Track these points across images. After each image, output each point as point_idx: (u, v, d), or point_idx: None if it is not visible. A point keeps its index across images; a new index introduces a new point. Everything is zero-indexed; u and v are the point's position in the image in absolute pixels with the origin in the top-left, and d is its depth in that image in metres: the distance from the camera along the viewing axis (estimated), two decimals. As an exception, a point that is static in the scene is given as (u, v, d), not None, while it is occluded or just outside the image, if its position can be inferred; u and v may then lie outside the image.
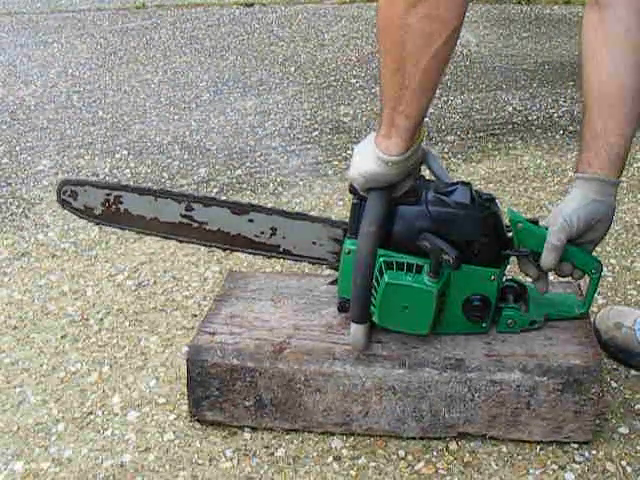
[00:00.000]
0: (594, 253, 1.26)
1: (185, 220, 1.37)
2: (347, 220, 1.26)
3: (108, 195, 1.40)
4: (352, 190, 1.20)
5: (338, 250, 1.30)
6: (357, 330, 1.19)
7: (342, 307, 1.26)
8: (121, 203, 1.40)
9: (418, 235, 1.16)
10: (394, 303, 1.16)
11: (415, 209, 1.18)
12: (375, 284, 1.17)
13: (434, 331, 1.22)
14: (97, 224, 1.47)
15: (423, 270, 1.16)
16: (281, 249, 1.37)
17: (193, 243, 1.41)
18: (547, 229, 1.19)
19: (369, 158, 1.11)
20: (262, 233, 1.35)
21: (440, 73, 1.02)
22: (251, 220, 1.35)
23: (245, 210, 1.35)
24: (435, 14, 0.96)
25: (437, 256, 1.13)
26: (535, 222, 1.22)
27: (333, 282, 1.34)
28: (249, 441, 1.28)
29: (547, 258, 1.19)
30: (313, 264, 1.40)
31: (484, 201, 1.19)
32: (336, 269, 1.31)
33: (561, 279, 1.33)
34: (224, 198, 1.44)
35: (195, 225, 1.37)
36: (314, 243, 1.34)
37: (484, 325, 1.24)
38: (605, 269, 1.78)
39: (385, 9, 1.01)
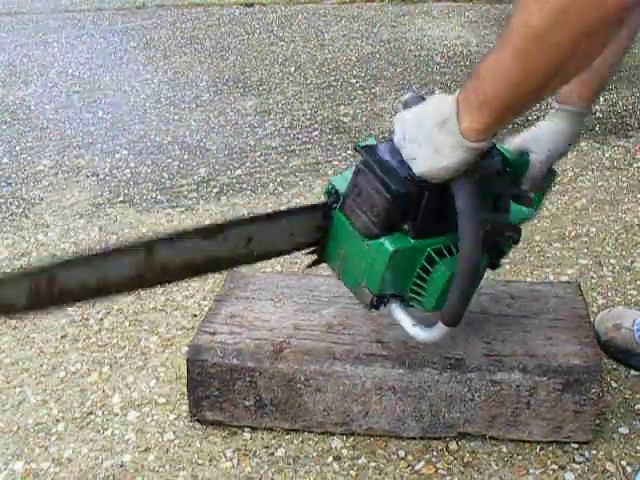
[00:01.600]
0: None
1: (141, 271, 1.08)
2: (321, 200, 1.16)
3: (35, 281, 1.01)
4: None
5: (317, 231, 1.17)
6: (445, 333, 1.11)
7: (378, 302, 1.14)
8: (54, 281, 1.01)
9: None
10: (445, 291, 1.10)
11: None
12: (422, 273, 1.10)
13: None
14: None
15: None
16: (255, 255, 1.17)
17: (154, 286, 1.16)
18: (527, 154, 1.25)
19: (452, 149, 0.97)
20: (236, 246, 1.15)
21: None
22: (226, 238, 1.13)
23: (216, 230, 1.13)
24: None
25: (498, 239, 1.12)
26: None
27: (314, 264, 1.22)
28: (249, 441, 1.28)
29: (531, 185, 1.25)
30: (290, 254, 1.23)
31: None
32: (315, 251, 1.20)
33: (561, 279, 1.34)
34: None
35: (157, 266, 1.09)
36: (292, 235, 1.18)
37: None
38: (605, 269, 1.78)
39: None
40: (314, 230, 1.16)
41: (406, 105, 1.05)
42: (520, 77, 0.86)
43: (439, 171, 1.00)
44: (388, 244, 1.08)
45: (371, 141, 1.12)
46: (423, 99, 1.04)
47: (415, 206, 1.06)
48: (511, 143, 1.26)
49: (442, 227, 1.08)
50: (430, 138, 0.98)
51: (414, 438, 1.26)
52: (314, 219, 1.15)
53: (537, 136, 1.27)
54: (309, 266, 1.22)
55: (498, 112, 0.92)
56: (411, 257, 1.09)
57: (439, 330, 1.10)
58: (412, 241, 1.08)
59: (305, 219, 1.16)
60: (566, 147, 1.28)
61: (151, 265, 1.07)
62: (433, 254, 1.09)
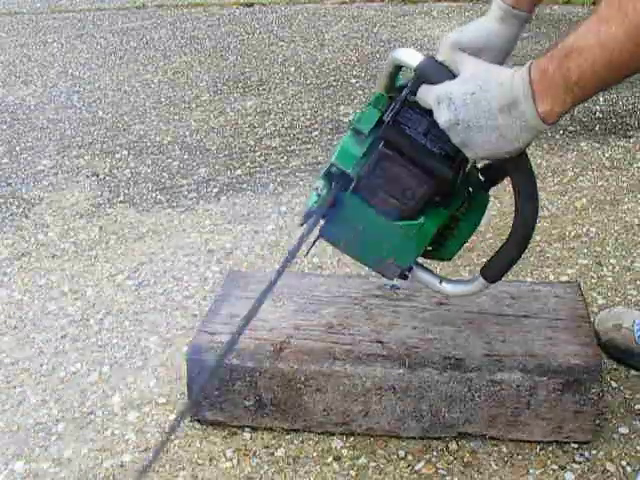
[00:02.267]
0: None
1: None
2: None
3: None
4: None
5: None
6: (483, 288, 1.10)
7: (405, 273, 1.13)
8: None
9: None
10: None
11: None
12: (445, 232, 1.09)
13: None
14: None
15: None
16: None
17: None
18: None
19: (521, 133, 0.90)
20: None
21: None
22: None
23: None
24: None
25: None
26: None
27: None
28: (249, 441, 1.28)
29: None
30: None
31: None
32: None
33: (561, 279, 1.33)
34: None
35: None
36: None
37: None
38: (605, 269, 1.78)
39: None
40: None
41: (426, 76, 0.96)
42: (630, 55, 0.81)
43: (501, 155, 0.93)
44: (429, 224, 1.04)
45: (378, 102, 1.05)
46: (446, 68, 0.96)
47: (451, 181, 1.01)
48: (446, 41, 1.06)
49: (462, 185, 1.06)
50: (494, 123, 0.89)
51: (414, 438, 1.26)
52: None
53: (490, 41, 1.13)
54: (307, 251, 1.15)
55: (590, 91, 0.86)
56: (442, 226, 1.08)
57: (478, 285, 1.09)
58: (445, 211, 1.05)
59: None
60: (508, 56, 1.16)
61: None
62: (459, 215, 1.08)
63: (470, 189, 1.09)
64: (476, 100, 0.90)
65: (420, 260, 1.14)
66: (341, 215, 1.07)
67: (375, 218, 1.05)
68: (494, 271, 1.07)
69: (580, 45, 0.83)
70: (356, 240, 1.09)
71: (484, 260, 1.86)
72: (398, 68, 1.04)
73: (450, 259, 1.15)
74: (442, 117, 0.93)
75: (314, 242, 1.13)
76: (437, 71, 0.96)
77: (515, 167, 0.97)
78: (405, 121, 0.99)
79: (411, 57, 0.99)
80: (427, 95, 0.95)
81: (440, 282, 1.13)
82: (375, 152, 1.01)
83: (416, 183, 1.00)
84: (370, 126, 1.03)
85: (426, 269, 1.14)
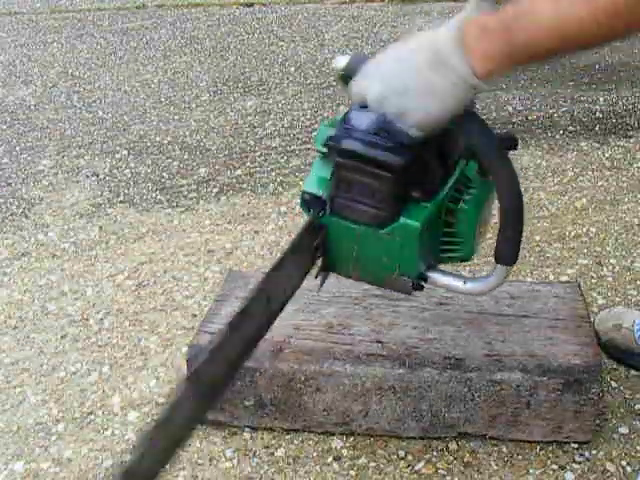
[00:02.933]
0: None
1: None
2: None
3: None
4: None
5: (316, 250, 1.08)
6: (506, 274, 1.02)
7: (419, 283, 1.06)
8: None
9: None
10: (478, 228, 1.06)
11: None
12: (447, 228, 1.04)
13: None
14: None
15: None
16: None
17: None
18: None
19: (453, 88, 0.86)
20: None
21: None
22: None
23: None
24: None
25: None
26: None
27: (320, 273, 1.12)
28: (249, 441, 1.28)
29: None
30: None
31: None
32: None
33: (561, 279, 1.33)
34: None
35: None
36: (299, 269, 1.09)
37: None
38: (605, 269, 1.78)
39: None
40: (314, 251, 1.07)
41: (351, 69, 0.95)
42: (587, 33, 0.79)
43: (438, 117, 0.88)
44: (412, 222, 0.99)
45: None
46: (366, 56, 0.95)
47: (419, 169, 0.96)
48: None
49: (446, 173, 1.01)
50: (425, 81, 0.86)
51: (414, 438, 1.26)
52: (309, 242, 1.05)
53: None
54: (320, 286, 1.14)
55: (532, 58, 0.84)
56: (434, 221, 1.01)
57: (501, 272, 1.02)
58: (429, 205, 0.99)
59: (301, 250, 1.05)
60: None
61: None
62: (452, 205, 1.02)
63: (468, 177, 1.02)
64: (404, 62, 0.88)
65: (442, 267, 1.09)
66: (332, 242, 1.04)
67: (362, 233, 1.01)
68: (507, 251, 1.00)
69: (535, 9, 0.81)
70: (358, 263, 1.05)
71: (484, 260, 1.86)
72: (344, 77, 1.01)
73: (471, 256, 1.08)
74: (373, 93, 0.90)
75: (323, 280, 1.12)
76: (362, 59, 0.95)
77: (467, 129, 0.92)
78: (356, 126, 0.96)
79: (340, 61, 1.00)
80: (357, 84, 0.93)
81: (465, 282, 1.06)
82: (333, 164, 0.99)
83: (378, 181, 0.96)
84: (322, 143, 1.00)
85: (446, 272, 1.08)
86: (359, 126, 0.95)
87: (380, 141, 0.93)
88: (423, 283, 1.06)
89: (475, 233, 1.04)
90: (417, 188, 0.98)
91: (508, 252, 1.00)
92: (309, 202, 1.03)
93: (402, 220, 0.98)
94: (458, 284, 1.06)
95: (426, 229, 0.99)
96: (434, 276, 1.06)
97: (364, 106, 0.94)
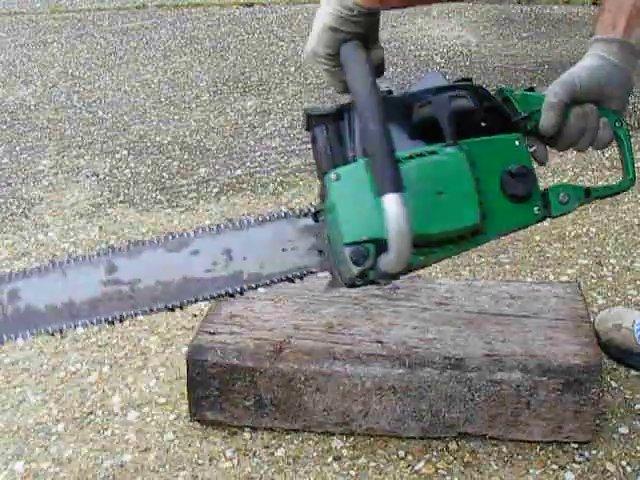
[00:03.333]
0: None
1: (110, 288, 1.01)
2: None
3: None
4: (310, 118, 1.03)
5: (317, 247, 1.04)
6: (399, 203, 0.85)
7: (356, 256, 0.92)
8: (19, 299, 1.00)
9: (410, 119, 0.98)
10: (425, 192, 0.93)
11: (396, 95, 1.01)
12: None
13: (486, 235, 0.99)
14: None
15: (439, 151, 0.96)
16: (245, 276, 1.04)
17: (128, 318, 1.05)
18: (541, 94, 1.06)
19: (326, 4, 0.98)
20: (215, 264, 1.03)
21: None
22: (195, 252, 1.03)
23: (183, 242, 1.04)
24: None
25: (450, 116, 0.96)
26: (531, 89, 1.07)
27: (333, 279, 1.03)
28: (249, 441, 1.28)
29: (544, 118, 1.01)
30: (292, 280, 1.06)
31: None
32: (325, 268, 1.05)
33: (561, 279, 1.33)
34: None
35: (125, 290, 1.02)
36: (284, 250, 1.04)
37: (535, 209, 1.00)
38: (605, 269, 1.78)
39: None
40: None
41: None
42: None
43: (316, 38, 0.99)
44: (330, 174, 0.96)
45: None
46: None
47: (331, 138, 1.01)
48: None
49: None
50: (318, 13, 0.99)
51: (414, 438, 1.26)
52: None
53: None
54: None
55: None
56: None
57: (387, 208, 0.85)
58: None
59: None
60: (601, 82, 1.02)
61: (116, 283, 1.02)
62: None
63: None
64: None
65: None
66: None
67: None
68: (382, 181, 0.86)
69: None
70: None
71: (484, 260, 1.86)
72: None
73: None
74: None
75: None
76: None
77: (343, 53, 0.97)
78: None
79: None
80: None
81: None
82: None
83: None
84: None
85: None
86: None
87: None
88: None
89: (472, 188, 0.95)
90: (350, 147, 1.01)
91: (381, 183, 0.86)
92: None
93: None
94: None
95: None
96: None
97: None
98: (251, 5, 4.93)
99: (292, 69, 3.51)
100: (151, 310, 1.04)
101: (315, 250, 1.04)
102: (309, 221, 1.05)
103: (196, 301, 1.05)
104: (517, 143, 1.00)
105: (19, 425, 1.34)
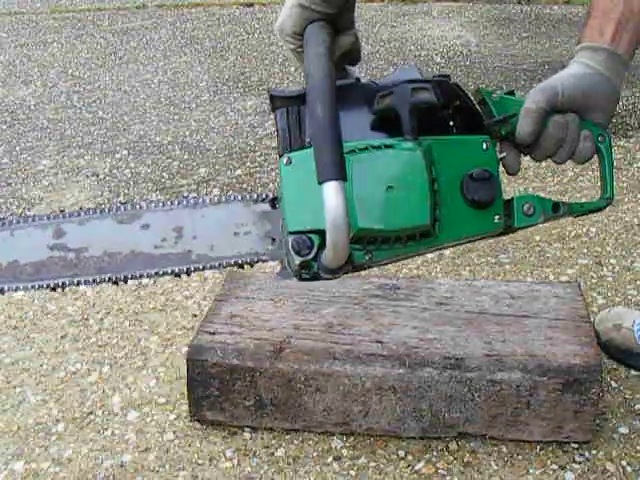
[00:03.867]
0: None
1: (57, 253, 0.99)
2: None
3: None
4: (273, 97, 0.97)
5: (271, 234, 1.01)
6: (337, 192, 0.80)
7: (299, 246, 0.89)
8: None
9: (371, 108, 0.93)
10: (374, 186, 0.88)
11: (363, 83, 0.97)
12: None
13: (438, 239, 0.93)
14: None
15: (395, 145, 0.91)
16: (194, 256, 1.02)
17: (71, 285, 1.02)
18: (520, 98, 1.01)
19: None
20: (164, 240, 1.00)
21: None
22: (146, 226, 1.01)
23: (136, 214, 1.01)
24: None
25: (410, 107, 0.90)
26: (511, 93, 1.02)
27: (283, 269, 0.99)
28: (249, 441, 1.28)
29: (521, 124, 0.95)
30: (242, 266, 1.04)
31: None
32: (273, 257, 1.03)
33: (561, 279, 1.33)
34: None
35: (71, 256, 0.99)
36: (236, 234, 1.02)
37: (496, 218, 0.94)
38: (605, 269, 1.78)
39: None
40: None
41: None
42: None
43: (285, 16, 0.94)
44: (284, 157, 0.93)
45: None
46: None
47: (291, 121, 0.95)
48: None
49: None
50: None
51: (414, 438, 1.26)
52: None
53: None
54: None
55: None
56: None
57: (329, 192, 0.80)
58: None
59: None
60: (586, 91, 0.98)
61: (62, 249, 1.01)
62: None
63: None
64: None
65: None
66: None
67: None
68: (323, 164, 0.82)
69: None
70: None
71: (484, 260, 1.86)
72: None
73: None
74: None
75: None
76: None
77: (305, 33, 0.93)
78: None
79: None
80: None
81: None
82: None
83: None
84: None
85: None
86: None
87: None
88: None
89: (425, 186, 0.90)
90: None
91: (322, 163, 0.82)
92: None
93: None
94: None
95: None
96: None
97: None
98: (251, 5, 4.93)
99: (292, 69, 3.51)
100: (94, 281, 1.01)
101: (269, 238, 1.01)
102: (266, 207, 1.02)
103: (140, 277, 1.02)
104: (484, 146, 0.95)
105: (19, 425, 1.34)
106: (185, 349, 1.46)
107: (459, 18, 4.43)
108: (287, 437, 1.28)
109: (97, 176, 2.43)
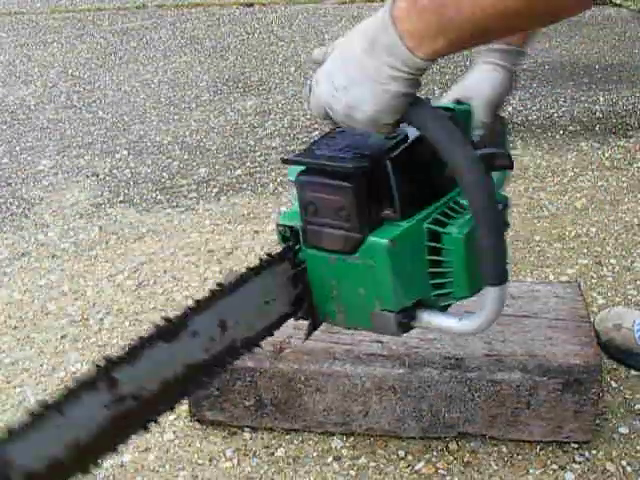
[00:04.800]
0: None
1: (115, 409, 0.79)
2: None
3: None
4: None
5: (294, 292, 0.95)
6: (501, 296, 0.85)
7: (405, 321, 0.90)
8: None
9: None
10: (473, 259, 0.86)
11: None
12: (434, 257, 0.87)
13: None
14: None
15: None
16: (238, 344, 0.90)
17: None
18: (467, 103, 1.11)
19: (391, 71, 0.77)
20: (212, 339, 0.89)
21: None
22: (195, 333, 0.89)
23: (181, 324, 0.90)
24: None
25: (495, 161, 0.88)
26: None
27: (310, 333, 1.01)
28: (249, 441, 1.28)
29: (481, 132, 1.09)
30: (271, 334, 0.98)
31: None
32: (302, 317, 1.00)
33: (561, 279, 1.33)
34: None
35: (130, 404, 0.80)
36: (267, 303, 0.94)
37: None
38: (605, 269, 1.78)
39: None
40: (291, 288, 0.94)
41: (319, 61, 0.86)
42: (522, 14, 0.71)
43: (385, 107, 0.79)
44: (378, 238, 0.86)
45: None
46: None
47: (383, 180, 0.85)
48: (447, 97, 1.13)
49: (429, 190, 0.89)
50: (361, 68, 0.78)
51: (414, 438, 1.26)
52: (284, 272, 0.92)
53: (472, 83, 1.16)
54: (307, 337, 1.02)
55: (465, 36, 0.75)
56: (412, 244, 0.87)
57: (492, 297, 0.84)
58: (403, 223, 0.86)
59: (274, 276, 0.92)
60: (505, 88, 1.21)
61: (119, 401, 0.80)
62: (433, 227, 0.87)
63: (458, 201, 0.89)
64: (344, 54, 0.81)
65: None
66: (312, 277, 0.93)
67: (336, 262, 0.89)
68: (488, 268, 0.84)
69: None
70: (340, 302, 0.93)
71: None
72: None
73: (467, 294, 0.90)
74: (323, 94, 0.82)
75: (309, 332, 1.01)
76: (321, 54, 0.86)
77: (417, 118, 0.81)
78: (322, 147, 0.89)
79: (318, 53, 0.89)
80: (312, 98, 0.85)
81: (459, 320, 0.90)
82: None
83: (339, 195, 0.85)
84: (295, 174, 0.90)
85: (437, 310, 0.92)
86: (319, 143, 0.89)
87: (341, 154, 0.86)
88: (410, 321, 0.91)
89: (467, 266, 0.87)
90: (388, 205, 0.86)
91: (489, 269, 0.84)
92: (284, 236, 0.93)
93: (370, 239, 0.86)
94: (451, 323, 0.90)
95: (400, 250, 0.86)
96: (424, 315, 0.91)
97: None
98: (251, 5, 4.93)
99: (292, 69, 3.51)
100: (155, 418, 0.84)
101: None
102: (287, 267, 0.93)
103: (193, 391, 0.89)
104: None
105: (19, 425, 1.34)
106: (185, 349, 1.46)
107: (459, 18, 4.43)
108: (287, 437, 1.28)
109: (97, 176, 2.43)
